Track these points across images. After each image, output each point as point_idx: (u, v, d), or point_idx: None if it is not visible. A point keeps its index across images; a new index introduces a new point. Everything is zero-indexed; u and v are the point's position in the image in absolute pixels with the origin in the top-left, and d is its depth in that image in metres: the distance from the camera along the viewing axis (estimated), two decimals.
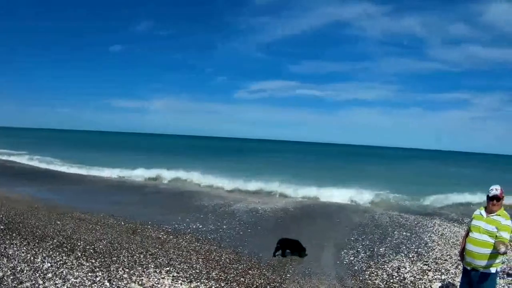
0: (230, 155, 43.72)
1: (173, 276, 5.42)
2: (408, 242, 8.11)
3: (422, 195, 15.27)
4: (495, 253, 3.88)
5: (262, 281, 5.57)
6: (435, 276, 5.88)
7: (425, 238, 8.43)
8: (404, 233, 8.98)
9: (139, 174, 18.70)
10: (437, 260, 6.75)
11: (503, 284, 5.29)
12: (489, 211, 4.06)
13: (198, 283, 5.23)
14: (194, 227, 8.83)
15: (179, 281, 5.24)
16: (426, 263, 6.61)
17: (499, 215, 3.99)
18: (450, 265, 6.37)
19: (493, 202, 4.01)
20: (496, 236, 3.86)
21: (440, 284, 5.50)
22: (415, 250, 7.47)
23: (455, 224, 10.13)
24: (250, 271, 5.94)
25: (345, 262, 6.67)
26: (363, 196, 14.37)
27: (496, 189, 4.02)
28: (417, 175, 28.74)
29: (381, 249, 7.49)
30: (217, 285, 5.25)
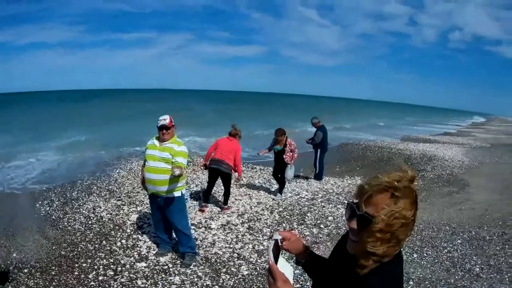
0: None
1: None
2: (99, 181, 9.06)
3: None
4: (173, 178, 4.56)
5: None
6: (131, 209, 7.02)
7: (115, 175, 9.64)
8: (93, 174, 9.92)
9: None
10: (129, 194, 7.98)
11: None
12: (161, 140, 4.66)
13: None
14: None
15: None
16: (119, 198, 7.69)
17: (172, 142, 4.64)
18: (143, 196, 7.62)
19: (162, 131, 4.61)
20: (172, 162, 4.53)
21: (137, 216, 6.69)
22: (107, 188, 8.47)
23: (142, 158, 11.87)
24: None
25: (42, 214, 6.91)
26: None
27: (165, 119, 4.60)
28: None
29: (73, 194, 8.08)
30: None
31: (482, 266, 5.25)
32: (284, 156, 8.08)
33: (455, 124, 47.45)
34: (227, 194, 7.27)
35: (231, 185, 7.42)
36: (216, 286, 4.58)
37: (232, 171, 7.12)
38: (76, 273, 4.72)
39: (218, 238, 5.94)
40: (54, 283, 4.53)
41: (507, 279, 4.88)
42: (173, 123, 4.68)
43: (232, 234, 6.11)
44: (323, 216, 7.21)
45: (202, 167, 8.09)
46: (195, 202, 7.64)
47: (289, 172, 8.16)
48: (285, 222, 6.84)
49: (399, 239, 1.26)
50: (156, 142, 4.73)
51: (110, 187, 8.61)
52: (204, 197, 7.40)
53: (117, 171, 10.13)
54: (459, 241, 6.14)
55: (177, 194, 4.78)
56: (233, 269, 4.97)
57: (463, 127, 42.35)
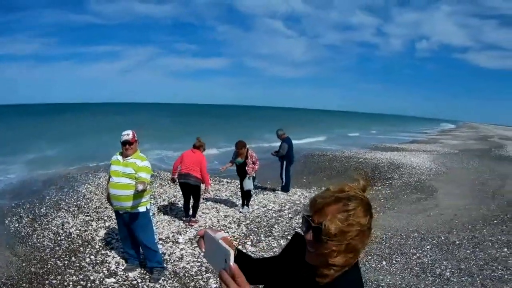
0: None
1: None
2: (67, 197, 9.18)
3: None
4: (137, 193, 4.61)
5: None
6: (99, 225, 7.19)
7: (83, 191, 9.77)
8: (61, 190, 10.00)
9: None
10: (97, 210, 8.13)
11: None
12: (124, 155, 4.76)
13: None
14: None
15: None
16: (88, 214, 7.84)
17: (135, 157, 4.75)
18: (111, 211, 7.60)
19: (125, 146, 4.71)
20: (136, 177, 4.63)
21: (105, 231, 6.86)
22: (75, 203, 8.60)
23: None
24: None
25: (12, 230, 7.00)
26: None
27: (128, 134, 4.68)
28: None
29: (42, 210, 8.17)
30: None
31: (453, 270, 5.55)
32: (246, 168, 8.27)
33: (423, 132, 49.06)
34: (195, 207, 7.56)
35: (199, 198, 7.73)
36: None
37: (200, 183, 7.41)
38: None
39: (186, 252, 6.14)
40: None
41: (478, 281, 5.19)
42: (136, 138, 4.79)
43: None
44: (290, 227, 7.46)
45: (170, 181, 8.45)
46: (162, 216, 7.89)
47: (247, 182, 8.27)
48: (252, 234, 7.08)
49: (357, 248, 1.26)
50: (120, 158, 4.84)
51: (79, 202, 8.74)
52: (185, 212, 7.74)
53: (85, 186, 10.26)
54: (428, 246, 6.48)
55: (141, 209, 4.89)
56: (201, 282, 5.15)
57: (432, 135, 43.80)
